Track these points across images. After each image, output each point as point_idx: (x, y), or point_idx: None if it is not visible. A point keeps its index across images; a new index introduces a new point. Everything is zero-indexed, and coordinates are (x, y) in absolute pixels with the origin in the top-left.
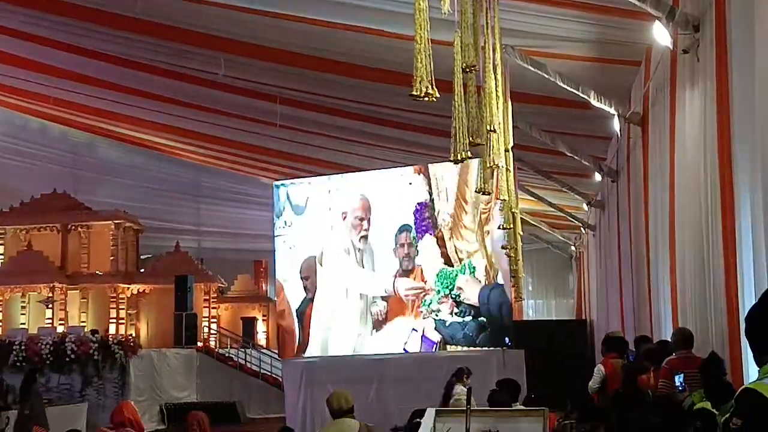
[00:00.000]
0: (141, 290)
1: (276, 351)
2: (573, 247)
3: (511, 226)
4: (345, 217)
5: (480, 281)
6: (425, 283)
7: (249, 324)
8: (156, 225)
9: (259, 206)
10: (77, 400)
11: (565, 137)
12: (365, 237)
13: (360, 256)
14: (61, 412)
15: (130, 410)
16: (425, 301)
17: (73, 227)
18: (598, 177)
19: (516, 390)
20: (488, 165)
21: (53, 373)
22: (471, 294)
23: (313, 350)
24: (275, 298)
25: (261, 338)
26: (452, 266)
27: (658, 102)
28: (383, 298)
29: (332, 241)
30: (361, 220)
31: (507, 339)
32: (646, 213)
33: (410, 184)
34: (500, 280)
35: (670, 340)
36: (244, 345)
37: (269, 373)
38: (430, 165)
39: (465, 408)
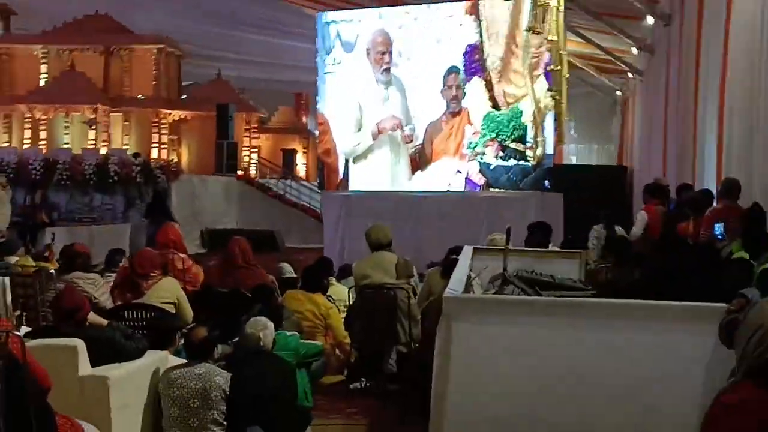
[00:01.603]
0: (183, 117)
1: (315, 183)
2: (619, 92)
3: (559, 67)
4: (368, 52)
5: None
6: (472, 125)
7: (289, 155)
8: (197, 52)
9: (300, 37)
10: (120, 220)
11: None
12: (387, 70)
13: (384, 91)
14: (104, 231)
15: (174, 233)
16: (470, 143)
17: (116, 50)
18: (650, 20)
19: (548, 232)
20: (539, 2)
21: (97, 193)
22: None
23: (353, 185)
24: (316, 132)
25: (300, 170)
26: (499, 110)
27: None
28: (428, 133)
29: (366, 78)
30: (383, 53)
31: (546, 182)
32: (698, 60)
33: (461, 25)
34: (548, 128)
35: (713, 189)
36: (283, 176)
37: (308, 205)
38: (480, 3)
39: (503, 247)
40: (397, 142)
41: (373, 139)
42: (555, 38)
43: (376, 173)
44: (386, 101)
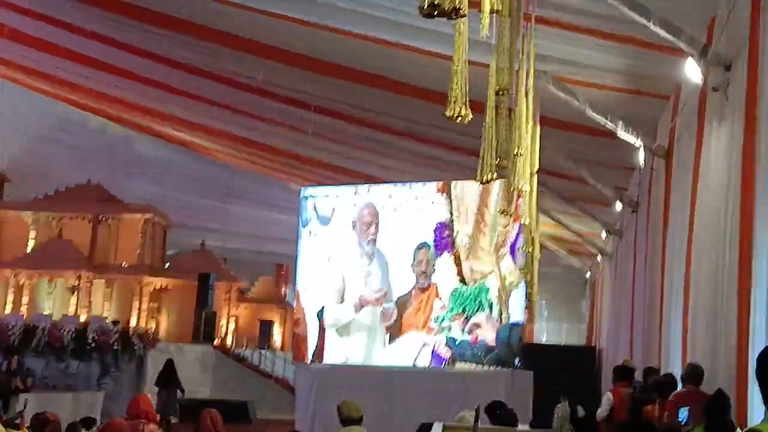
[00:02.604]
0: (164, 285)
1: (291, 354)
2: (588, 273)
3: (531, 249)
4: (354, 225)
5: (496, 321)
6: (440, 300)
7: (266, 326)
8: (184, 222)
9: (285, 211)
10: (94, 388)
11: (590, 165)
12: (373, 241)
13: (367, 266)
14: (78, 398)
15: (146, 402)
16: (437, 318)
17: (104, 218)
18: (618, 206)
19: (512, 414)
20: (513, 187)
21: (73, 360)
22: (487, 333)
23: (327, 358)
24: (293, 303)
25: (277, 340)
26: (467, 285)
27: (684, 137)
28: (397, 308)
29: (350, 251)
30: (369, 224)
31: (516, 360)
32: (664, 246)
33: (432, 203)
34: (512, 305)
35: (678, 373)
36: (260, 346)
37: (282, 376)
38: (453, 183)
39: (472, 426)
40: (376, 316)
41: (356, 311)
42: (527, 222)
43: (353, 345)
44: (369, 275)
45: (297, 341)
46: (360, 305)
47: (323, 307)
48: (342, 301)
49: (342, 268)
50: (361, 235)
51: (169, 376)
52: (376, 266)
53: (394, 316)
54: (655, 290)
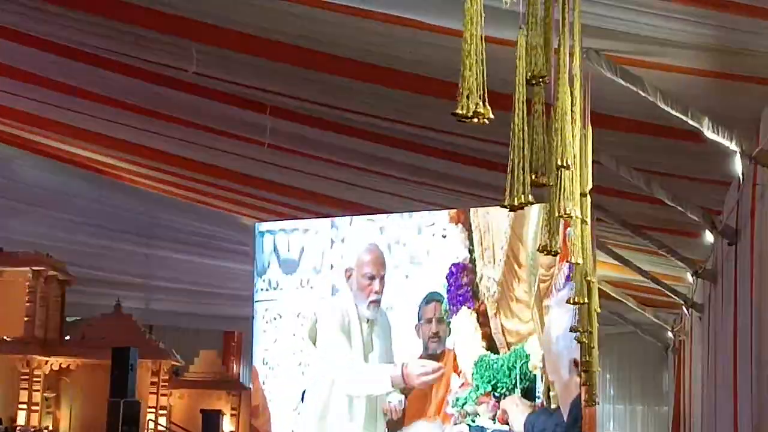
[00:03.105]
0: (64, 365)
1: None
2: (670, 334)
3: (585, 300)
4: (350, 276)
5: (540, 404)
6: (459, 375)
7: (211, 419)
8: (90, 275)
9: (234, 256)
10: None
11: (666, 179)
12: (377, 303)
13: (369, 331)
14: None
15: None
16: (458, 399)
17: None
18: (709, 237)
19: None
20: (556, 214)
21: None
22: (516, 420)
23: None
24: (250, 386)
25: None
26: (497, 353)
27: None
28: (400, 390)
29: (333, 310)
30: (371, 278)
31: None
32: None
33: (444, 237)
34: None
35: None
36: None
37: None
38: (472, 211)
39: None
40: (375, 413)
41: (349, 408)
42: (580, 261)
43: None
44: (372, 351)
45: None
46: (349, 391)
47: (304, 392)
48: (325, 383)
49: (325, 336)
50: (359, 292)
51: None
52: (378, 335)
53: (399, 412)
54: (766, 358)
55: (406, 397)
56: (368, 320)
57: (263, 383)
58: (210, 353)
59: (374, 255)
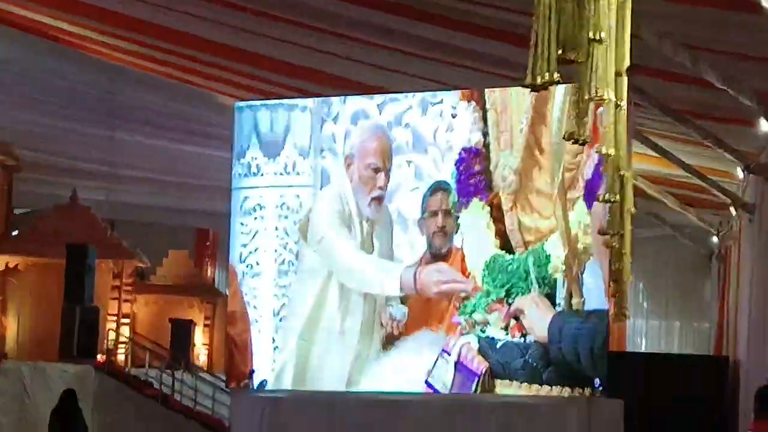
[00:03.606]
0: (11, 264)
1: (223, 376)
2: (716, 238)
3: (618, 197)
4: (350, 165)
5: (561, 310)
6: (468, 277)
7: (182, 331)
8: (42, 160)
9: (211, 141)
10: None
11: (716, 58)
12: (379, 200)
13: (369, 230)
14: None
15: None
16: (465, 306)
17: None
18: (764, 125)
19: None
20: (586, 96)
21: None
22: (537, 324)
23: (284, 380)
24: (226, 292)
25: (200, 354)
26: (512, 252)
27: None
28: (401, 300)
29: (331, 199)
30: (376, 170)
31: (597, 380)
32: None
33: (453, 116)
34: (589, 285)
35: None
36: (172, 364)
37: (210, 412)
38: (487, 91)
39: None
40: (372, 321)
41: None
42: (612, 152)
43: (328, 361)
44: (371, 252)
45: (233, 352)
46: (344, 295)
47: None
48: (315, 285)
49: (317, 231)
50: (361, 185)
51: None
52: (380, 236)
53: (402, 325)
54: None
55: (410, 309)
56: (368, 219)
57: (241, 284)
58: (181, 254)
59: (381, 143)
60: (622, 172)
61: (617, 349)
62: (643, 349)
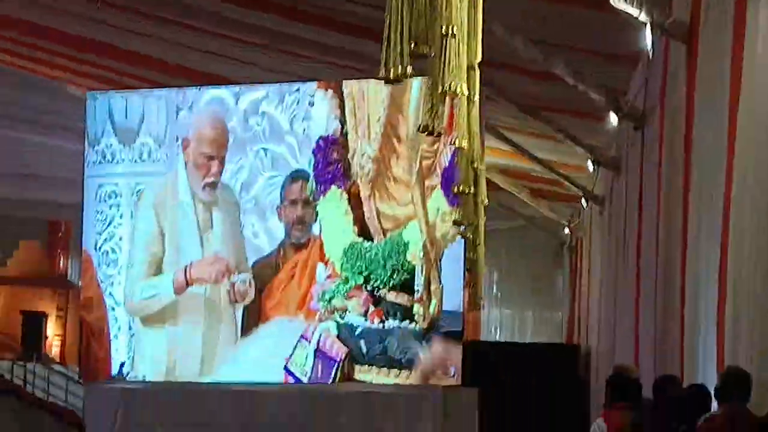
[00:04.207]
0: None
1: (76, 369)
2: (567, 230)
3: (471, 189)
4: (187, 147)
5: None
6: (327, 264)
7: (34, 322)
8: None
9: (62, 132)
10: None
11: (567, 53)
12: (212, 186)
13: (204, 214)
14: None
15: None
16: (324, 293)
17: None
18: (613, 120)
19: None
20: (440, 89)
21: None
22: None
23: (140, 370)
24: (79, 282)
25: (53, 347)
26: (371, 240)
27: (715, 5)
28: (256, 280)
29: (177, 187)
30: (210, 158)
31: (452, 368)
32: (687, 180)
33: (311, 104)
34: (447, 272)
35: (711, 384)
36: (23, 356)
37: (64, 405)
38: (344, 83)
39: None
40: (217, 301)
41: (176, 293)
42: (465, 144)
43: (180, 350)
44: (207, 230)
45: (89, 339)
46: (184, 282)
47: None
48: (157, 272)
49: (160, 215)
50: (195, 172)
51: None
52: (219, 215)
53: (250, 295)
54: (673, 253)
55: (253, 276)
56: (204, 202)
57: (97, 271)
58: (32, 245)
59: (217, 131)
60: (475, 165)
61: (473, 338)
62: (498, 339)
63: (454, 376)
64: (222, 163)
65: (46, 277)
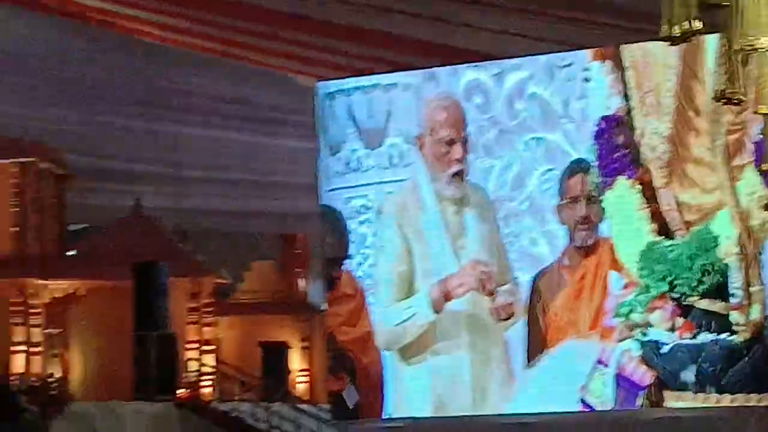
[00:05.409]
0: (70, 290)
1: (328, 406)
2: None
3: None
4: (422, 143)
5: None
6: (621, 271)
7: (275, 355)
8: (96, 166)
9: (291, 130)
10: None
11: None
12: (459, 175)
13: (455, 217)
14: None
15: None
16: (621, 305)
17: None
18: None
19: None
20: (738, 45)
21: None
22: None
23: (401, 409)
24: (323, 306)
25: (299, 383)
26: (672, 237)
27: None
28: (534, 295)
29: (419, 190)
30: (450, 143)
31: None
32: None
33: (586, 80)
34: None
35: None
36: (266, 395)
37: None
38: (623, 46)
39: None
40: (483, 319)
41: (436, 311)
42: None
43: (443, 382)
44: (460, 237)
45: (365, 383)
46: (442, 296)
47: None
48: (408, 294)
49: (404, 228)
50: (436, 166)
51: None
52: (471, 219)
53: (520, 310)
54: None
55: (534, 292)
56: (452, 200)
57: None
58: (266, 265)
59: (450, 111)
60: None
61: None
62: None
63: None
64: (465, 147)
65: (284, 302)
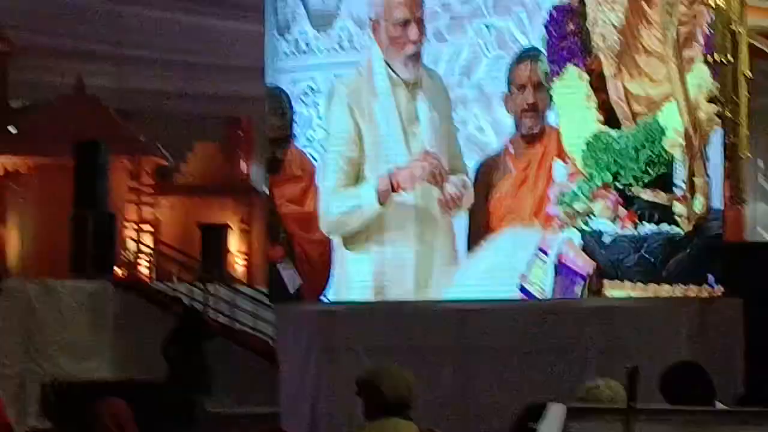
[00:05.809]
0: (11, 168)
1: (264, 290)
2: None
3: (730, 58)
4: (377, 26)
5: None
6: (566, 161)
7: (214, 237)
8: (40, 43)
9: (240, 11)
10: None
11: None
12: (415, 58)
13: (408, 105)
14: None
15: None
16: (564, 194)
17: None
18: None
19: (707, 381)
20: None
21: None
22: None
23: (342, 295)
24: (264, 188)
25: (236, 265)
26: (618, 127)
27: None
28: (478, 183)
29: (372, 73)
30: (405, 24)
31: (710, 275)
32: None
33: None
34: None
35: None
36: (203, 276)
37: (249, 330)
38: None
39: (621, 405)
40: (431, 210)
41: (380, 202)
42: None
43: (387, 268)
44: (412, 123)
45: (310, 265)
46: (389, 187)
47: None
48: (356, 181)
49: (355, 112)
50: (390, 46)
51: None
52: (425, 106)
53: (469, 200)
54: None
55: (477, 180)
56: (407, 85)
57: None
58: (208, 147)
59: None
60: (734, 27)
61: (734, 239)
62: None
63: (713, 285)
64: (421, 28)
65: (226, 185)
